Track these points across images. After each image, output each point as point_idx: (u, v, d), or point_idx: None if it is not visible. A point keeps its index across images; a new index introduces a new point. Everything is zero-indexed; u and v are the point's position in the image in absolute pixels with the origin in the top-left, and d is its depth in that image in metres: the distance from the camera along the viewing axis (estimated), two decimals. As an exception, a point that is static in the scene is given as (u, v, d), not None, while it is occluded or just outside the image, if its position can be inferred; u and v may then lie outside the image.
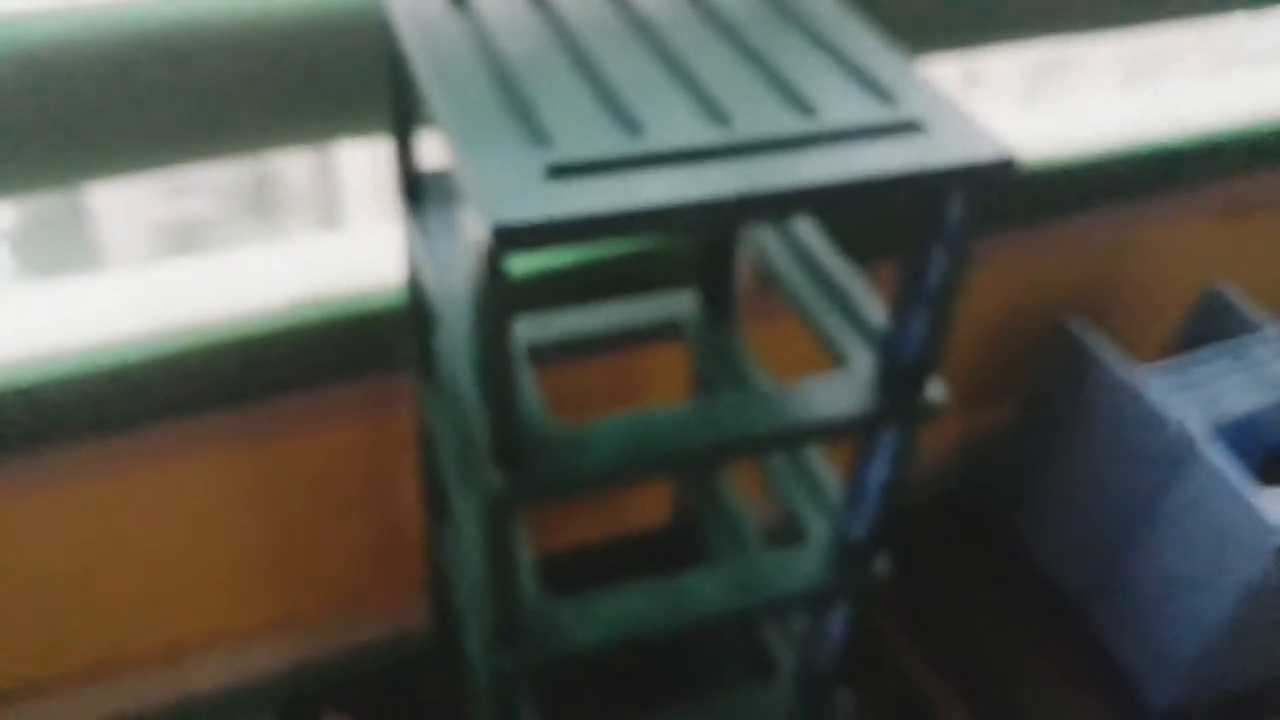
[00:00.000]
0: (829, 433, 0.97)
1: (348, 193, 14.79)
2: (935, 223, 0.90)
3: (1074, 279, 1.86)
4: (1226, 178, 1.82)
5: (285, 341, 1.29)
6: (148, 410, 1.27)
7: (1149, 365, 1.66)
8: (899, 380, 0.99)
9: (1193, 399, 1.61)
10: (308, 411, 1.38)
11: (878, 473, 1.05)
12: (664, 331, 1.31)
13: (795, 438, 0.95)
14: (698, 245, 1.41)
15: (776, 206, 0.80)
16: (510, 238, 0.75)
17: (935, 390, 0.99)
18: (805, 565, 1.13)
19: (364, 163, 14.61)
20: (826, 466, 1.21)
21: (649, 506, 1.72)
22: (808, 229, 1.19)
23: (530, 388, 1.00)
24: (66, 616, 1.43)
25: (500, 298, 0.80)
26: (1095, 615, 1.77)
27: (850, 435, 0.98)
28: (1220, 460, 1.49)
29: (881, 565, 1.13)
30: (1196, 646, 1.56)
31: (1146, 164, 1.71)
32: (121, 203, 12.85)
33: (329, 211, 15.06)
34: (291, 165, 14.45)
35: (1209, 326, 1.85)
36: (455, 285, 1.07)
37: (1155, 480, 1.59)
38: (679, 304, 1.33)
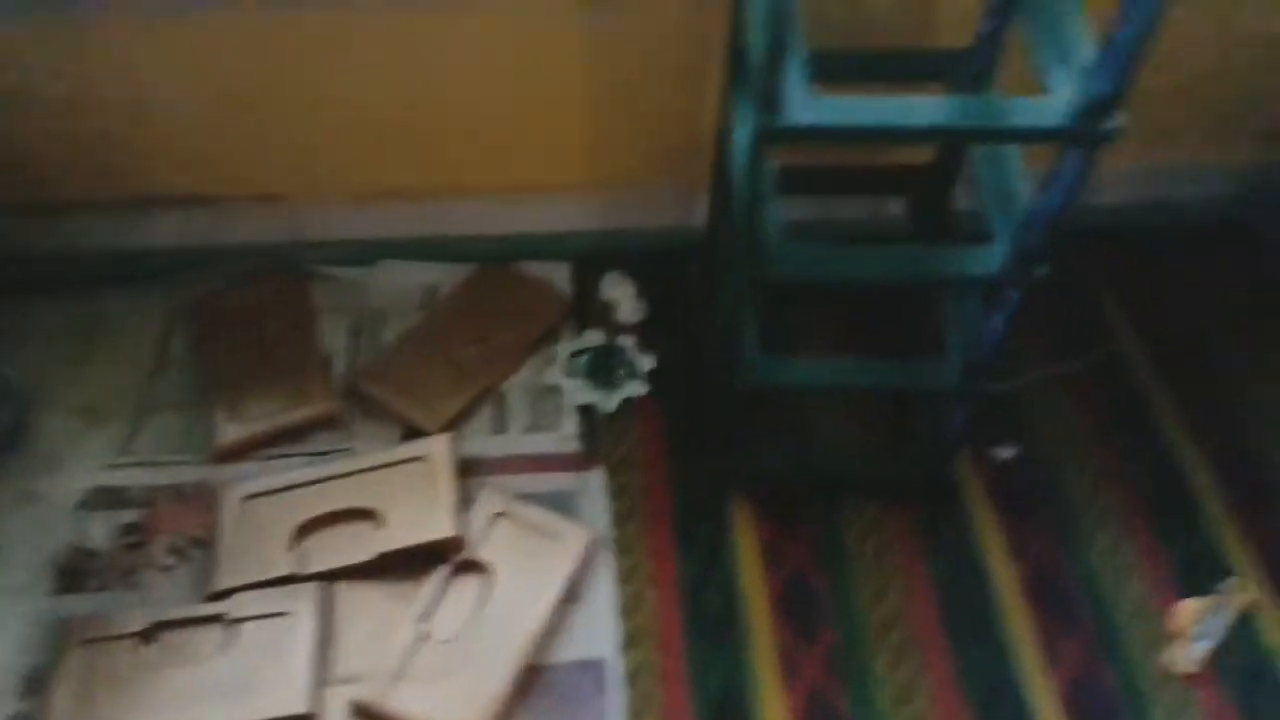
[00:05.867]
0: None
1: None
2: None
3: None
4: None
5: None
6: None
7: None
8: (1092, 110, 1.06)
9: None
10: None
11: (1060, 186, 1.14)
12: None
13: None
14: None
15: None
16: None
17: (1119, 119, 1.07)
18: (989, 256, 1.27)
19: None
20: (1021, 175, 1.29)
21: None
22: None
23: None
24: (428, 138, 1.79)
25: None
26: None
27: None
28: None
29: (1041, 270, 1.26)
30: None
31: None
32: None
33: None
34: None
35: None
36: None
37: None
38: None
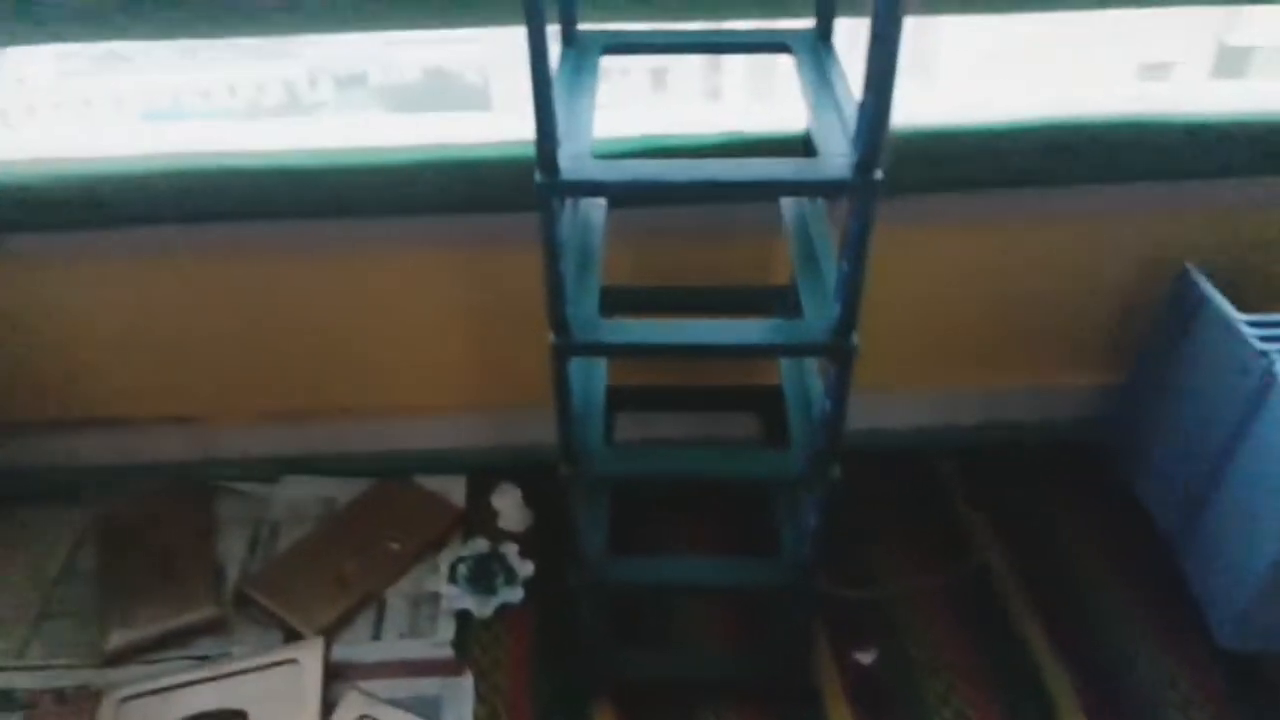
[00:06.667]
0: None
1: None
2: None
3: (1207, 236, 1.88)
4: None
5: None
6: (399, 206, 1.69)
7: (1258, 313, 1.70)
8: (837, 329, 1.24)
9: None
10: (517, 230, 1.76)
11: (832, 395, 1.30)
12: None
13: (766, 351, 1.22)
14: None
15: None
16: None
17: (854, 338, 1.23)
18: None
19: None
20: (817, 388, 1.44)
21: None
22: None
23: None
24: (327, 365, 1.97)
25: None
26: (1179, 552, 1.85)
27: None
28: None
29: (834, 473, 1.38)
30: (1255, 587, 1.63)
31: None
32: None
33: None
34: None
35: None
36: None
37: (1239, 418, 1.66)
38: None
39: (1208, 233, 1.88)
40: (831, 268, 1.39)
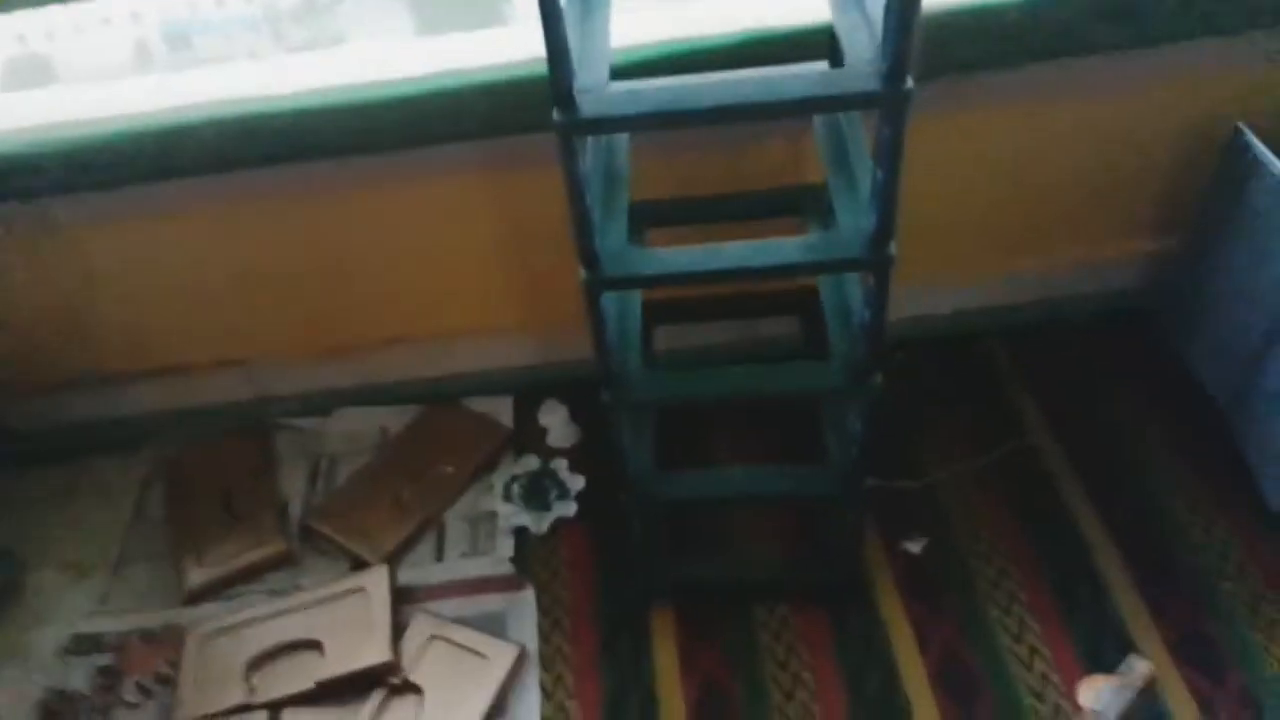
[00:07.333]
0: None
1: None
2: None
3: (1255, 94, 1.79)
4: None
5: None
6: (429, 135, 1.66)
7: None
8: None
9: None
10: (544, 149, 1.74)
11: (871, 304, 1.28)
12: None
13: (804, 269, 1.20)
14: None
15: None
16: None
17: (892, 248, 1.20)
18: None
19: None
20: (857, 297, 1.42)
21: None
22: None
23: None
24: (368, 298, 1.98)
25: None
26: (1232, 419, 1.83)
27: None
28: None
29: (876, 382, 1.36)
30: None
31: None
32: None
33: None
34: None
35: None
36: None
37: None
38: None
39: (1258, 90, 1.80)
40: (865, 169, 1.34)
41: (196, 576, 1.81)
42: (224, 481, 1.96)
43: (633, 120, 1.15)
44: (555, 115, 1.12)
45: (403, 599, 1.75)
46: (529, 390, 2.10)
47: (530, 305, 2.02)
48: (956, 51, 1.62)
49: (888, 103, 1.10)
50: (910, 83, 1.09)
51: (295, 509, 1.93)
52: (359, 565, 1.81)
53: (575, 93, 1.12)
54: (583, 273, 1.27)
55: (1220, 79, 1.79)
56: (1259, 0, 1.65)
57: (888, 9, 1.07)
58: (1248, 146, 1.73)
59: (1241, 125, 1.76)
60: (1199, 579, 1.69)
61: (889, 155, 1.15)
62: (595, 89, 1.15)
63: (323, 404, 2.10)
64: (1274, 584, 1.67)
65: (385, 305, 2.00)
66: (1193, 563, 1.71)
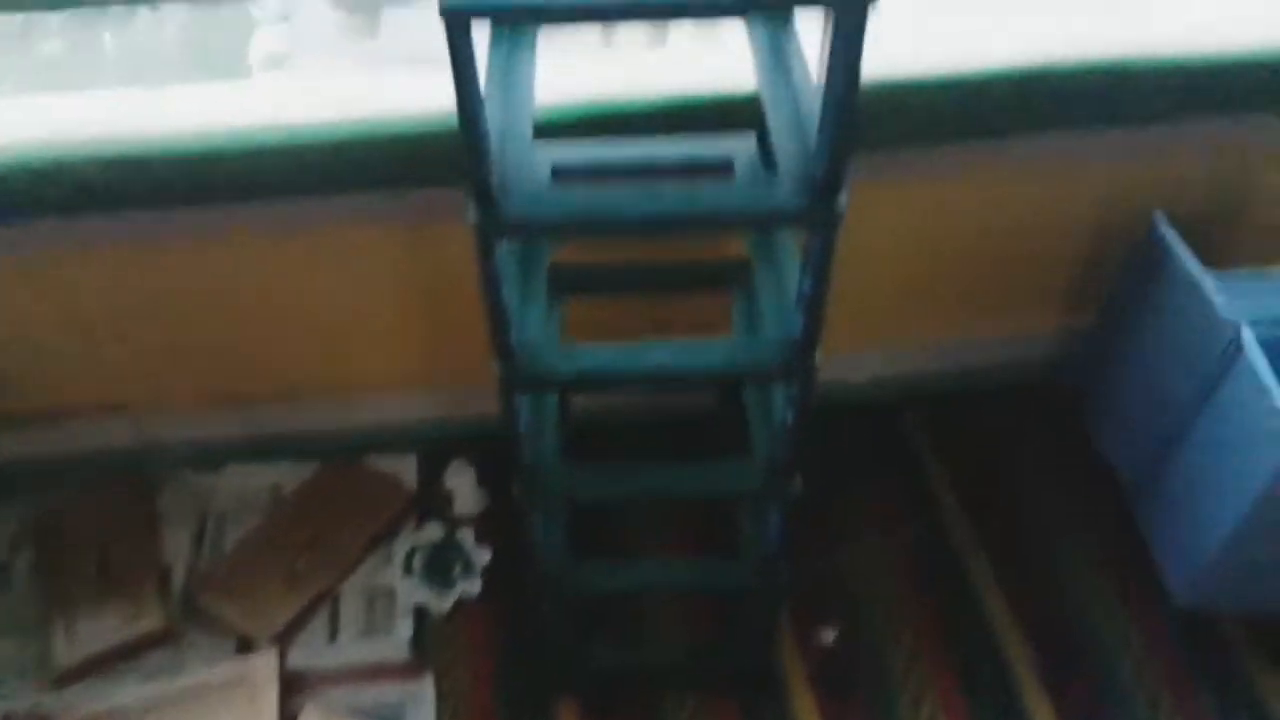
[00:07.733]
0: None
1: None
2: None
3: (1176, 182, 1.82)
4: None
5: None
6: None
7: (1225, 270, 1.66)
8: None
9: (1256, 306, 1.59)
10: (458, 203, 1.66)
11: (792, 406, 1.24)
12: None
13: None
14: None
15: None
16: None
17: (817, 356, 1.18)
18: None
19: None
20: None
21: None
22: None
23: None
24: (269, 346, 1.87)
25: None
26: (1140, 507, 1.85)
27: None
28: (1261, 365, 1.50)
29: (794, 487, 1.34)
30: (1214, 549, 1.63)
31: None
32: None
33: None
34: None
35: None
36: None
37: (1205, 380, 1.63)
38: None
39: (1178, 178, 1.81)
40: (792, 267, 1.29)
41: (65, 655, 1.68)
42: (102, 539, 1.82)
43: (557, 226, 1.08)
44: (471, 214, 1.05)
45: (292, 686, 1.65)
46: (435, 446, 2.00)
47: (438, 356, 1.93)
48: (876, 127, 1.59)
49: (819, 221, 1.06)
50: (845, 201, 1.05)
51: (179, 575, 1.81)
52: (246, 644, 1.70)
53: (494, 190, 1.05)
54: (497, 368, 1.20)
55: (1141, 165, 1.80)
56: (1180, 95, 1.66)
57: (822, 125, 1.03)
58: (1161, 239, 1.75)
59: (1159, 215, 1.77)
60: (1101, 670, 1.70)
61: (818, 267, 1.11)
62: (516, 184, 1.08)
63: (212, 455, 1.97)
64: (1174, 676, 1.69)
65: (283, 352, 1.88)
66: (1096, 650, 1.72)
